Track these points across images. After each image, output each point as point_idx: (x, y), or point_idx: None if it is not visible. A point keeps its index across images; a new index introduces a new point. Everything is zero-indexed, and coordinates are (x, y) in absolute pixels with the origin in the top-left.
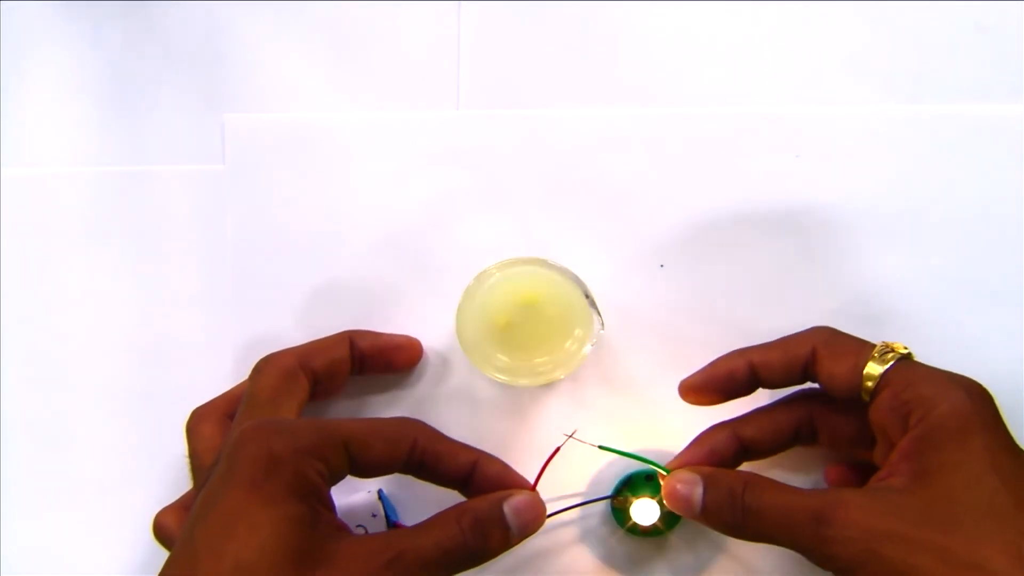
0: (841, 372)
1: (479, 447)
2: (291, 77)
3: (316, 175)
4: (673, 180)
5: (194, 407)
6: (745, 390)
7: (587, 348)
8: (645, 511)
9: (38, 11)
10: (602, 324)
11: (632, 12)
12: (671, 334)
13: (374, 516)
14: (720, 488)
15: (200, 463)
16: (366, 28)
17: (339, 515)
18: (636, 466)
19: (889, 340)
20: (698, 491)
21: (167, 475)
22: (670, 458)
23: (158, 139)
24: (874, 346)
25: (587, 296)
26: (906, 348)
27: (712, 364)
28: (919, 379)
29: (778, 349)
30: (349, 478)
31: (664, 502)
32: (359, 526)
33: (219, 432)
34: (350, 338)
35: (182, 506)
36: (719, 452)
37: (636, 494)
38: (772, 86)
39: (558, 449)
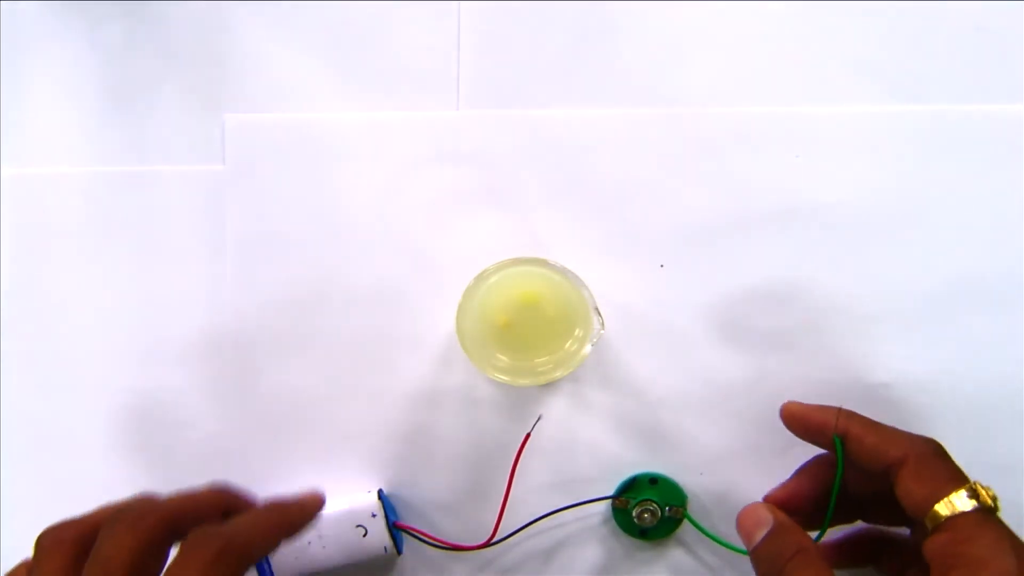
0: (918, 493)
1: (479, 447)
2: (291, 77)
3: (316, 175)
4: (673, 180)
5: (55, 522)
6: (826, 445)
7: (587, 348)
8: (646, 513)
9: (38, 11)
10: (602, 324)
11: (632, 12)
12: (671, 334)
13: (374, 516)
14: (774, 544)
15: None
16: (366, 28)
17: (339, 516)
18: (640, 468)
19: (980, 482)
20: (761, 533)
21: (166, 475)
22: (673, 460)
23: (158, 139)
24: (966, 483)
25: (587, 296)
26: (995, 498)
27: (816, 407)
28: (980, 538)
29: (878, 434)
30: (349, 476)
31: (667, 510)
32: (359, 526)
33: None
34: (225, 506)
35: None
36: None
37: (638, 496)
38: (772, 86)
39: (528, 436)
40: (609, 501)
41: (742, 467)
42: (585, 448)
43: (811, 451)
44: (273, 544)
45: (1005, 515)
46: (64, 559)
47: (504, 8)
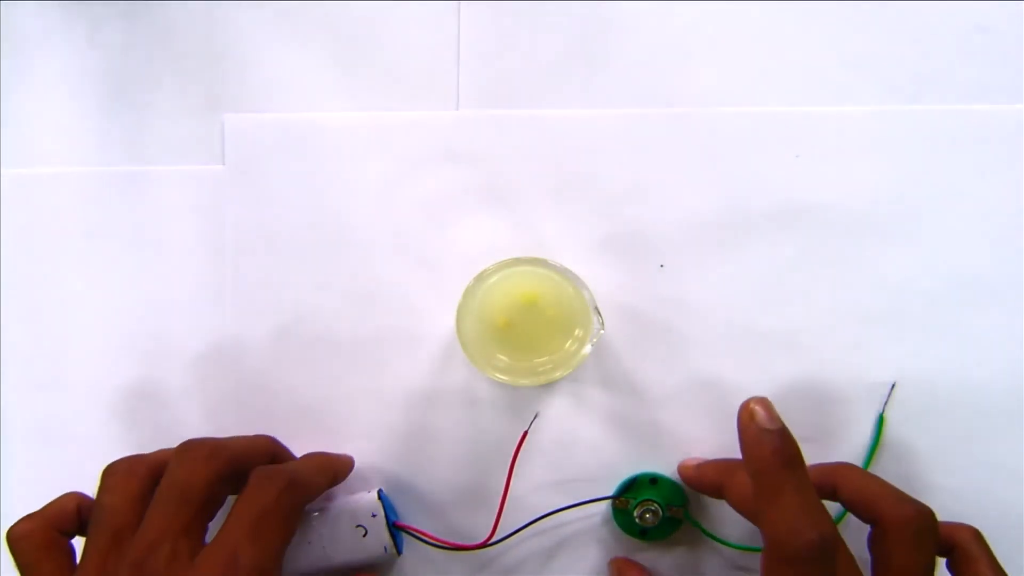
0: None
1: (479, 447)
2: (291, 77)
3: (316, 175)
4: (673, 180)
5: (127, 454)
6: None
7: (587, 348)
8: (648, 514)
9: (38, 11)
10: (602, 324)
11: (632, 12)
12: (671, 334)
13: (374, 516)
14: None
15: None
16: (366, 28)
17: (339, 516)
18: (640, 468)
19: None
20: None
21: None
22: (673, 460)
23: (158, 139)
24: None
25: (587, 296)
26: None
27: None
28: None
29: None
30: (348, 476)
31: (667, 509)
32: (359, 526)
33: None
34: (272, 455)
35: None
36: None
37: (639, 496)
38: (772, 86)
39: (526, 433)
40: (609, 501)
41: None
42: (585, 448)
43: (810, 454)
44: (324, 487)
45: (1005, 516)
46: (140, 485)
47: (504, 8)
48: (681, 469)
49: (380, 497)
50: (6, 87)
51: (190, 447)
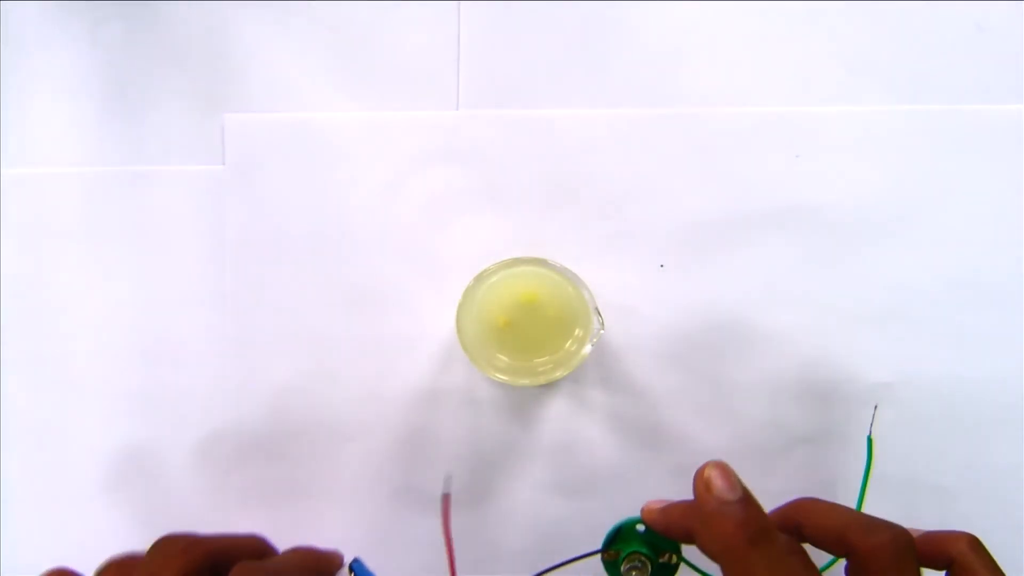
0: None
1: (479, 447)
2: (291, 77)
3: (316, 175)
4: (673, 180)
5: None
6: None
7: (587, 348)
8: (634, 571)
9: (38, 11)
10: (602, 324)
11: (632, 12)
12: (671, 334)
13: None
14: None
15: None
16: (366, 28)
17: None
18: (640, 468)
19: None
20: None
21: (167, 475)
22: (673, 461)
23: (158, 139)
24: None
25: (587, 296)
26: None
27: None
28: None
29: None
30: (345, 484)
31: (661, 557)
32: None
33: None
34: (259, 554)
35: None
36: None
37: (627, 548)
38: (772, 86)
39: (447, 497)
40: (599, 555)
41: (742, 468)
42: (585, 448)
43: (810, 454)
44: None
45: (1005, 516)
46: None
47: (504, 8)
48: (645, 514)
49: (352, 569)
50: (6, 87)
51: (163, 543)
